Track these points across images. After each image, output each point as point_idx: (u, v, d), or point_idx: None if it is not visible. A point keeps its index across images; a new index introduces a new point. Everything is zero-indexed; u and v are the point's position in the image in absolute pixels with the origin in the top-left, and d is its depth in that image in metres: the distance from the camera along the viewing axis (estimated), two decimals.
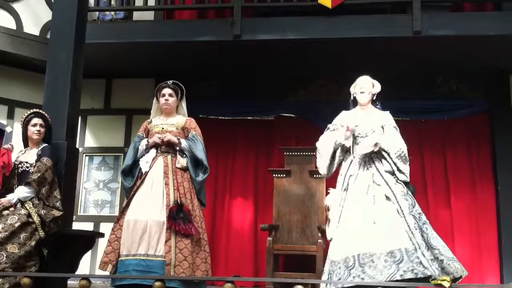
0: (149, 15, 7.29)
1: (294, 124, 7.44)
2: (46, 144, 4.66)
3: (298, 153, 7.00)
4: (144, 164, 4.43)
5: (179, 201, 4.27)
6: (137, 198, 4.32)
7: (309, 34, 6.36)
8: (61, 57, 5.16)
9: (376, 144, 4.21)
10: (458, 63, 6.83)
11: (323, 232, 6.43)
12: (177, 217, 4.21)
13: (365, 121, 4.41)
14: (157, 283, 3.43)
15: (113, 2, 7.01)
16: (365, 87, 4.46)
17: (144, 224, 4.18)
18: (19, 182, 4.51)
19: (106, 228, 6.84)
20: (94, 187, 7.48)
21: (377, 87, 4.49)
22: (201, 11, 7.37)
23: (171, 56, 6.93)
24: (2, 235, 4.12)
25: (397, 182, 4.19)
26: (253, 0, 6.69)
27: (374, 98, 4.52)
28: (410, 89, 7.11)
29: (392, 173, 4.21)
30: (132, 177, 4.46)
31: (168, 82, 4.68)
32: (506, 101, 7.00)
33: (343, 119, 4.49)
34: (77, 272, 4.84)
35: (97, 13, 7.06)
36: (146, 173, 4.39)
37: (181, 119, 4.66)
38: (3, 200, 4.36)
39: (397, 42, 6.36)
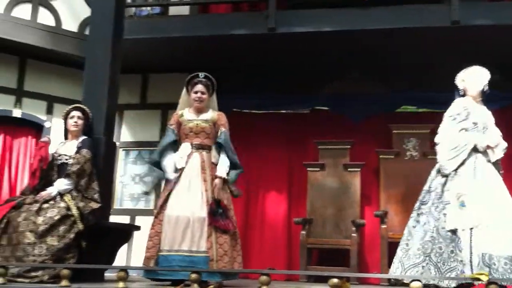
0: (184, 10, 7.34)
1: (328, 117, 7.38)
2: (86, 137, 4.77)
3: (333, 147, 6.98)
4: (178, 160, 4.46)
5: (216, 197, 4.34)
6: (175, 194, 4.36)
7: (344, 26, 6.30)
8: (100, 53, 5.26)
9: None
10: (496, 53, 6.68)
11: (357, 226, 6.42)
12: (217, 213, 4.30)
13: (481, 113, 4.36)
14: (193, 275, 3.50)
15: None
16: (478, 79, 4.39)
17: (187, 220, 4.24)
18: (58, 175, 4.62)
19: (141, 221, 6.94)
20: (130, 181, 7.59)
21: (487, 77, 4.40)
22: (235, 4, 7.39)
23: (206, 50, 6.96)
24: (42, 227, 4.24)
25: None
26: None
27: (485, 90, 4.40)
28: (446, 80, 6.96)
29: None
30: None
31: (200, 76, 4.65)
32: None
33: (463, 107, 4.35)
34: (114, 264, 4.94)
35: (133, 8, 7.15)
36: (182, 168, 4.42)
37: (213, 114, 4.66)
38: (43, 193, 4.48)
39: (434, 32, 6.25)
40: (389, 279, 5.86)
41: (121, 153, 7.58)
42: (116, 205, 7.38)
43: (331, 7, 6.45)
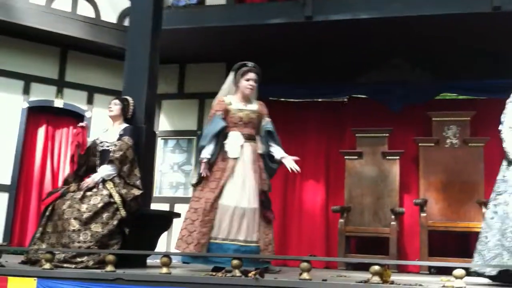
0: (221, 0, 7.36)
1: (366, 105, 7.32)
2: (127, 125, 4.85)
3: (370, 135, 6.93)
4: (230, 149, 4.46)
5: (263, 188, 4.44)
6: (231, 184, 4.37)
7: (382, 13, 6.23)
8: (140, 44, 5.32)
9: None
10: None
11: (396, 214, 6.38)
12: (265, 204, 4.41)
13: None
14: (235, 261, 3.53)
15: None
16: None
17: (243, 211, 4.30)
18: (100, 161, 4.72)
19: (180, 209, 7.02)
20: (169, 169, 7.69)
21: None
22: None
23: (243, 40, 6.97)
24: (86, 215, 4.32)
25: None
26: None
27: None
28: (488, 67, 6.87)
29: None
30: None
31: (249, 65, 4.62)
32: None
33: None
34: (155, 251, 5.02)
35: None
36: (236, 159, 4.43)
37: (257, 104, 4.68)
38: (88, 180, 4.57)
39: (474, 18, 6.13)
40: (429, 268, 5.84)
41: (159, 142, 7.68)
42: (155, 193, 7.49)
43: None
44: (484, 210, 6.09)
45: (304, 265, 3.47)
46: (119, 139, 4.71)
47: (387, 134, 6.87)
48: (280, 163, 4.59)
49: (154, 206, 6.78)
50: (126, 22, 6.21)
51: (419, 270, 6.11)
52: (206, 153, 4.41)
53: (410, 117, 7.08)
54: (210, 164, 4.43)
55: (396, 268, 5.95)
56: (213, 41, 7.07)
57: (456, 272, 3.20)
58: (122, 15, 7.30)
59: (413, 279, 4.25)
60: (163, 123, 7.79)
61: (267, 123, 4.63)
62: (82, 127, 5.01)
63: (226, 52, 7.34)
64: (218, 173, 4.41)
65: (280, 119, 7.02)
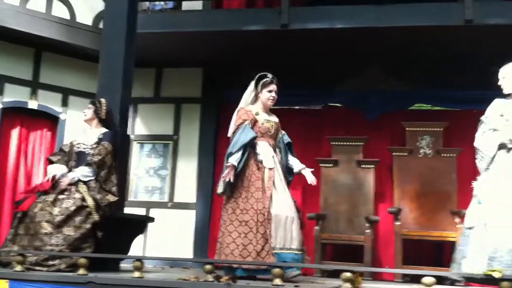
0: (198, 5, 7.36)
1: (342, 113, 7.39)
2: (107, 130, 4.81)
3: (346, 143, 6.96)
4: (265, 159, 4.40)
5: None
6: (275, 193, 4.33)
7: (358, 23, 6.29)
8: (114, 47, 5.31)
9: None
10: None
11: (371, 223, 6.41)
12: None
13: None
14: (207, 266, 3.52)
15: None
16: (508, 76, 4.22)
17: (292, 219, 4.29)
18: (77, 162, 4.67)
19: (156, 213, 7.00)
20: (144, 173, 7.62)
21: None
22: (249, 0, 7.40)
23: (219, 46, 6.97)
24: (58, 218, 4.27)
25: None
26: None
27: None
28: (462, 79, 6.97)
29: None
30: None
31: (270, 76, 4.60)
32: None
33: (495, 107, 4.27)
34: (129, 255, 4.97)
35: (147, 3, 7.18)
36: (272, 169, 4.39)
37: (275, 116, 4.70)
38: (64, 179, 4.50)
39: (448, 30, 6.23)
40: (403, 276, 5.89)
41: (135, 146, 7.62)
42: (131, 197, 7.44)
43: (346, 3, 6.43)
44: (457, 219, 6.19)
45: (277, 271, 3.49)
46: (97, 143, 4.67)
47: (362, 143, 6.92)
48: (295, 174, 4.62)
49: (129, 210, 6.73)
50: (102, 25, 6.16)
51: (393, 278, 6.15)
52: (234, 159, 4.27)
53: (385, 127, 7.16)
54: (236, 171, 4.29)
55: (370, 275, 5.98)
56: (190, 46, 7.04)
57: (425, 279, 3.23)
58: (98, 17, 7.23)
59: (386, 287, 4.29)
60: (139, 127, 7.73)
61: (284, 135, 4.67)
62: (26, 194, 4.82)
63: (203, 57, 7.33)
64: (258, 182, 4.30)
65: None
